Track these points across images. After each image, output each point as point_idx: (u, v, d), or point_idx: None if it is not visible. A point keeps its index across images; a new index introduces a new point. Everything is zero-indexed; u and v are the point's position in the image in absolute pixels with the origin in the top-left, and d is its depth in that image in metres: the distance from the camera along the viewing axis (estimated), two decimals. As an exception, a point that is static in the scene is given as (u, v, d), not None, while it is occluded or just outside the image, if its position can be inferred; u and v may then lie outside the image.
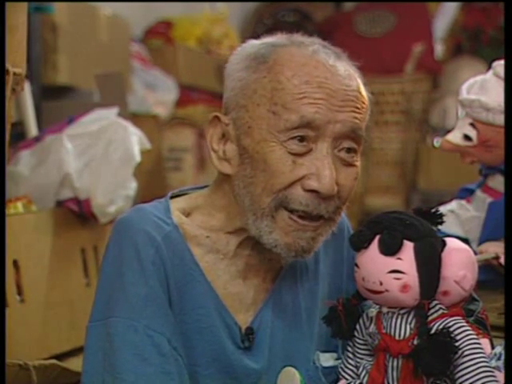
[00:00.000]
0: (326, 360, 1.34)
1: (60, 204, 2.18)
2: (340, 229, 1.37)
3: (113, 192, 2.15)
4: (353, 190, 1.27)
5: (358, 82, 1.27)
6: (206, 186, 1.34)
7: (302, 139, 1.22)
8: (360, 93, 1.26)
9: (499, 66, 1.65)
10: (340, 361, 1.31)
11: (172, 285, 1.24)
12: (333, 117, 1.22)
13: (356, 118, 1.24)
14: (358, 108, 1.25)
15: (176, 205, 1.31)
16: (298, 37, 1.29)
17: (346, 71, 1.25)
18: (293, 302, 1.33)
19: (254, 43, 1.29)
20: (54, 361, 1.88)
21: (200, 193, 1.34)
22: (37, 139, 2.27)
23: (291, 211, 1.23)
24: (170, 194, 1.34)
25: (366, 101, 1.28)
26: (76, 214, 2.18)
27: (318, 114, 1.21)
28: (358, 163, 1.27)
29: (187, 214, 1.31)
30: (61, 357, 2.04)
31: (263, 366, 1.29)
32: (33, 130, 2.50)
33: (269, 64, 1.24)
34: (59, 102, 2.85)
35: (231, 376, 1.27)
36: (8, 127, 1.58)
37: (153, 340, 1.20)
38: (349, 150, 1.25)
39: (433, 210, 1.23)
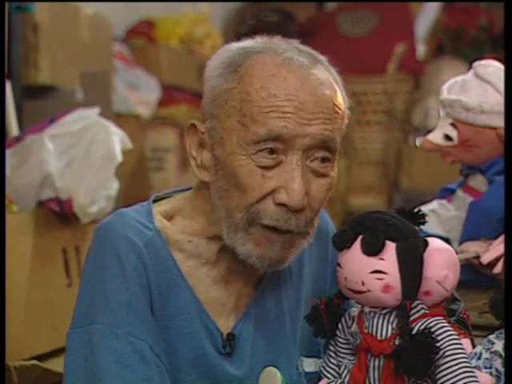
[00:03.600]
0: (309, 365, 1.33)
1: (41, 204, 2.17)
2: (324, 233, 1.37)
3: (94, 192, 2.15)
4: (325, 200, 1.26)
5: (333, 90, 1.25)
6: (190, 188, 1.34)
7: (271, 152, 1.21)
8: (333, 102, 1.23)
9: (480, 66, 1.66)
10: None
11: (154, 291, 1.23)
12: (301, 130, 1.20)
13: (327, 129, 1.22)
14: (329, 119, 1.22)
15: (158, 208, 1.30)
16: (277, 40, 1.27)
17: (319, 79, 1.23)
18: (276, 307, 1.32)
19: (231, 48, 1.27)
20: (35, 361, 1.87)
21: (183, 195, 1.33)
22: (18, 139, 2.26)
23: (264, 226, 1.22)
24: (153, 197, 1.33)
25: (342, 108, 1.25)
26: (57, 214, 2.17)
27: (286, 129, 1.20)
28: (333, 173, 1.26)
29: (169, 218, 1.30)
30: (42, 357, 2.03)
31: (245, 372, 1.28)
32: (14, 129, 2.48)
33: (240, 73, 1.23)
34: (40, 102, 2.84)
35: (213, 382, 1.26)
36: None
37: (134, 347, 1.19)
38: (323, 160, 1.23)
39: (415, 210, 1.23)
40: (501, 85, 1.61)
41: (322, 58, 1.28)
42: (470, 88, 1.64)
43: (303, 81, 1.22)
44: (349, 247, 1.19)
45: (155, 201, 1.33)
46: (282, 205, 1.21)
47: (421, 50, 4.56)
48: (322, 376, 1.27)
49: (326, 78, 1.25)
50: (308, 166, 1.22)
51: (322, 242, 1.37)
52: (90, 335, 1.20)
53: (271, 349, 1.31)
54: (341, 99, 1.26)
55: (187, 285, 1.26)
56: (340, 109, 1.25)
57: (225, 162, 1.22)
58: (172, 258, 1.26)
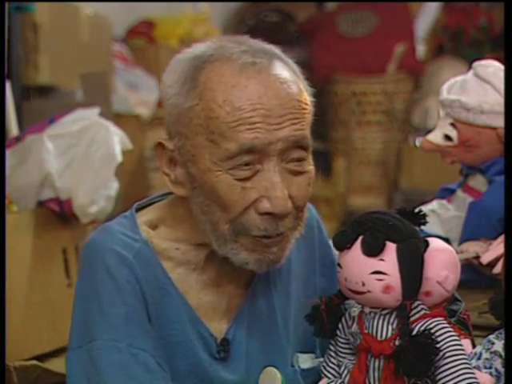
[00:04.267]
0: (305, 361, 1.33)
1: (41, 204, 2.17)
2: (310, 226, 1.36)
3: (94, 192, 2.15)
4: (309, 195, 1.25)
5: (296, 86, 1.22)
6: (171, 193, 1.31)
7: (246, 163, 1.19)
8: (298, 99, 1.22)
9: (479, 66, 1.66)
10: (319, 360, 1.32)
11: (149, 301, 1.23)
12: (273, 137, 1.19)
13: (297, 129, 1.21)
14: (297, 118, 1.21)
15: (142, 218, 1.29)
16: (228, 42, 1.24)
17: (280, 79, 1.21)
18: (267, 306, 1.32)
19: (183, 59, 1.24)
20: (34, 362, 1.87)
21: (164, 204, 1.32)
22: (17, 139, 2.26)
23: (254, 236, 1.21)
24: (135, 206, 1.32)
25: (307, 102, 1.24)
26: (57, 214, 2.17)
27: (257, 139, 1.18)
28: (310, 166, 1.25)
29: (154, 227, 1.29)
30: (42, 357, 2.03)
31: (241, 375, 1.28)
32: (14, 129, 2.48)
33: (199, 89, 1.20)
34: (40, 102, 2.84)
35: None
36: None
37: (137, 358, 1.19)
38: (297, 159, 1.22)
39: (416, 211, 1.23)
40: (500, 85, 1.61)
41: (277, 51, 1.26)
42: (470, 88, 1.64)
43: (265, 85, 1.19)
44: (349, 248, 1.18)
45: (138, 209, 1.31)
46: (267, 213, 1.20)
47: (421, 50, 4.56)
48: (323, 376, 1.27)
49: (286, 74, 1.22)
50: (285, 168, 1.21)
51: (308, 234, 1.35)
52: (90, 353, 1.19)
53: (266, 349, 1.31)
54: (304, 93, 1.24)
55: (178, 293, 1.26)
56: (306, 103, 1.23)
57: (202, 179, 1.21)
58: (161, 267, 1.25)
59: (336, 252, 1.25)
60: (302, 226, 1.26)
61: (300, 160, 1.22)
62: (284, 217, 1.21)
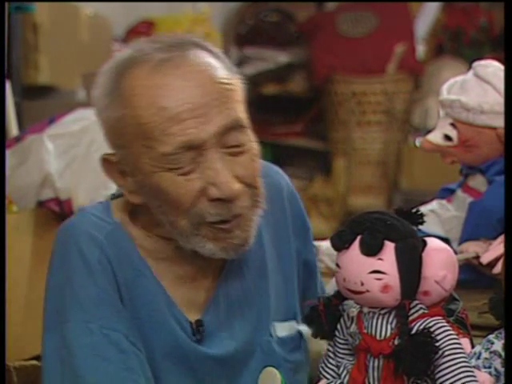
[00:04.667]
0: (283, 330, 1.34)
1: (41, 204, 2.17)
2: (278, 190, 1.37)
3: (94, 192, 2.15)
4: (257, 170, 1.24)
5: (215, 68, 1.22)
6: None
7: (185, 159, 1.19)
8: (222, 81, 1.21)
9: (479, 66, 1.66)
10: (296, 328, 1.33)
11: (121, 281, 1.24)
12: (204, 128, 1.19)
13: (227, 113, 1.20)
14: (224, 101, 1.20)
15: (117, 204, 1.31)
16: (144, 44, 1.24)
17: (197, 66, 1.21)
18: (242, 287, 1.32)
19: (104, 71, 1.25)
20: (34, 362, 1.87)
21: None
22: (17, 139, 2.27)
23: (212, 223, 1.22)
24: (111, 195, 1.34)
25: (231, 80, 1.23)
26: (57, 214, 2.17)
27: (190, 136, 1.18)
28: (252, 143, 1.24)
29: (128, 214, 1.30)
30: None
31: (217, 353, 1.28)
32: (13, 129, 2.48)
33: (124, 97, 1.21)
34: (40, 102, 2.85)
35: (187, 366, 1.26)
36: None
37: (110, 338, 1.20)
38: (235, 141, 1.22)
39: (414, 210, 1.23)
40: (500, 85, 1.61)
41: (192, 39, 1.26)
42: (470, 88, 1.64)
43: (184, 78, 1.20)
44: (347, 248, 1.18)
45: (117, 196, 1.32)
46: (217, 199, 1.20)
47: (420, 50, 4.55)
48: (321, 376, 1.27)
49: (204, 60, 1.22)
50: (225, 152, 1.21)
51: (277, 197, 1.36)
52: (63, 335, 1.20)
53: (243, 325, 1.31)
54: (227, 72, 1.23)
55: (153, 276, 1.26)
56: (231, 83, 1.23)
57: (149, 183, 1.21)
58: (135, 249, 1.26)
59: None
60: (262, 202, 1.26)
61: (238, 141, 1.22)
62: (235, 199, 1.21)
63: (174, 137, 1.18)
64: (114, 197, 1.33)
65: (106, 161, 1.27)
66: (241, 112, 1.23)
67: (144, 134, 1.19)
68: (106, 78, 1.24)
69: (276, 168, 1.41)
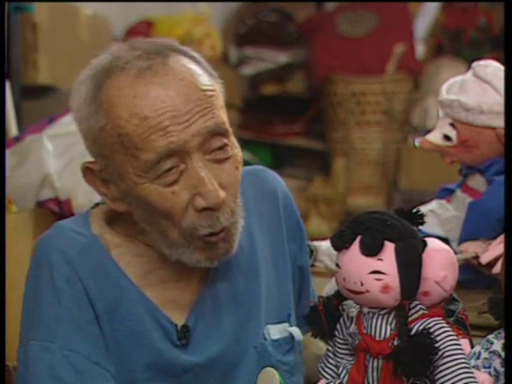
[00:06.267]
0: (276, 332, 1.33)
1: (40, 204, 2.17)
2: (273, 193, 1.36)
3: (93, 192, 2.13)
4: (239, 179, 1.24)
5: (196, 75, 1.21)
6: None
7: (170, 168, 1.19)
8: (202, 88, 1.20)
9: (479, 66, 1.66)
10: (289, 330, 1.33)
11: (95, 297, 1.23)
12: (186, 135, 1.18)
13: (208, 119, 1.20)
14: (206, 108, 1.20)
15: (97, 214, 1.30)
16: (123, 51, 1.22)
17: (178, 74, 1.20)
18: (230, 287, 1.31)
19: (83, 79, 1.23)
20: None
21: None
22: (17, 139, 2.27)
23: (203, 236, 1.22)
24: (93, 204, 1.33)
25: (212, 87, 1.22)
26: (56, 214, 2.17)
27: (172, 143, 1.17)
28: (235, 149, 1.24)
29: (110, 222, 1.29)
30: (41, 358, 2.03)
31: (203, 358, 1.27)
32: (13, 129, 2.48)
33: (104, 107, 1.19)
34: (40, 102, 2.85)
35: (170, 374, 1.26)
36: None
37: (69, 360, 1.19)
38: (219, 147, 1.21)
39: (414, 211, 1.23)
40: (500, 85, 1.61)
41: (172, 44, 1.25)
42: (469, 88, 1.64)
43: (165, 86, 1.18)
44: (347, 248, 1.18)
45: (100, 204, 1.32)
46: (204, 209, 1.20)
47: (420, 50, 4.55)
48: (321, 376, 1.27)
49: (184, 66, 1.21)
50: (209, 159, 1.21)
51: (272, 201, 1.36)
52: (26, 353, 1.22)
53: (232, 323, 1.30)
54: (208, 78, 1.23)
55: (133, 285, 1.25)
56: (212, 90, 1.22)
57: (133, 194, 1.21)
58: (113, 261, 1.25)
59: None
60: (239, 214, 1.25)
61: (222, 147, 1.21)
62: (221, 206, 1.20)
63: (155, 143, 1.17)
64: (97, 205, 1.32)
65: (87, 169, 1.25)
66: (224, 117, 1.23)
67: (126, 143, 1.18)
68: (84, 88, 1.22)
69: (271, 172, 1.40)
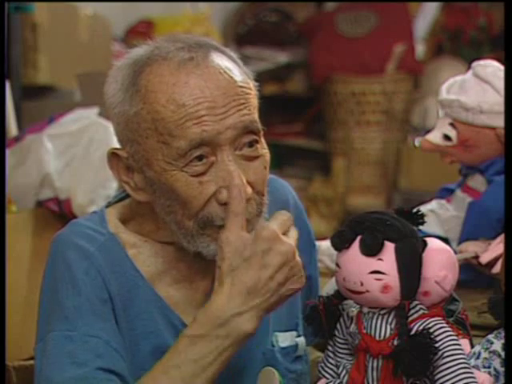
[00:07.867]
0: (285, 340, 1.34)
1: (40, 204, 2.17)
2: (284, 202, 1.37)
3: (93, 192, 2.15)
4: (266, 178, 1.26)
5: (235, 72, 1.23)
6: None
7: (200, 158, 1.20)
8: (240, 84, 1.22)
9: (478, 66, 1.66)
10: (297, 338, 1.34)
11: (114, 292, 1.24)
12: (220, 127, 1.20)
13: (244, 114, 1.22)
14: (242, 103, 1.22)
15: (112, 213, 1.30)
16: (162, 42, 1.25)
17: (218, 68, 1.22)
18: None
19: (121, 66, 1.25)
20: (34, 361, 1.87)
21: (130, 201, 1.32)
22: (17, 139, 2.27)
23: (219, 226, 1.22)
24: (106, 203, 1.33)
25: (249, 85, 1.25)
26: (56, 214, 2.17)
27: (206, 132, 1.19)
28: (264, 150, 1.26)
29: (124, 221, 1.30)
30: (41, 358, 2.03)
31: None
32: (13, 129, 2.48)
33: (142, 93, 1.21)
34: (39, 102, 2.85)
35: None
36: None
37: (89, 345, 1.19)
38: (250, 144, 1.23)
39: (414, 211, 1.23)
40: (500, 85, 1.61)
41: (212, 42, 1.27)
42: (469, 88, 1.64)
43: (205, 78, 1.21)
44: (347, 247, 1.19)
45: (112, 203, 1.33)
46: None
47: (420, 49, 4.55)
48: (321, 376, 1.27)
49: (225, 63, 1.23)
50: (239, 155, 1.22)
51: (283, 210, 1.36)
52: (45, 344, 1.21)
53: None
54: (245, 77, 1.25)
55: (147, 284, 1.26)
56: (249, 88, 1.24)
57: (159, 181, 1.22)
58: (129, 260, 1.26)
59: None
60: (265, 211, 1.26)
61: (252, 145, 1.23)
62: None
63: (188, 130, 1.19)
64: (109, 204, 1.33)
65: (113, 155, 1.26)
66: (256, 118, 1.25)
67: (160, 129, 1.20)
68: (122, 74, 1.24)
69: (282, 181, 1.41)
